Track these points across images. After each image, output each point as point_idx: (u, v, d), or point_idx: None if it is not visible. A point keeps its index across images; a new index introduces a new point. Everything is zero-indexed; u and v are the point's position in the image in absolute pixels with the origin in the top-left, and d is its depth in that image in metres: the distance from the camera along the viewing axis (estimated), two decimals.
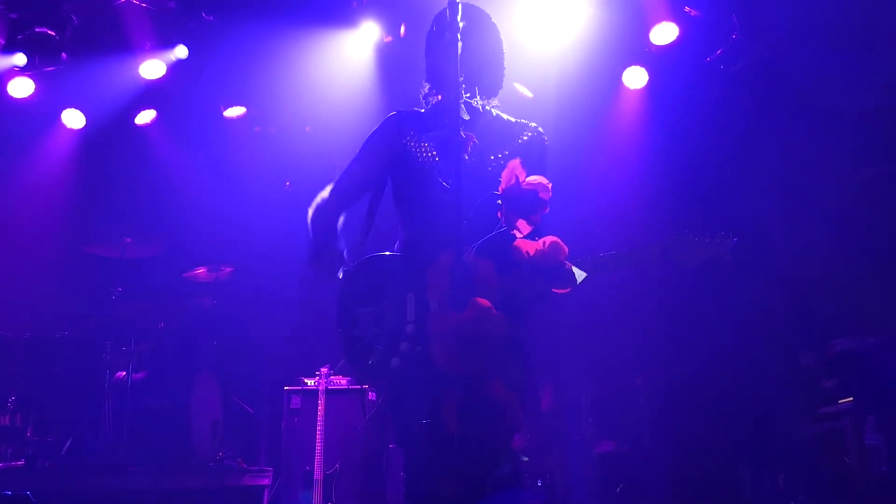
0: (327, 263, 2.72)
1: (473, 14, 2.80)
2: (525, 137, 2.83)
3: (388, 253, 2.76)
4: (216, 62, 6.44)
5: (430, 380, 2.46)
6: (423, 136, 2.82)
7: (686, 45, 5.96)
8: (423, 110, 2.94)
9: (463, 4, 2.55)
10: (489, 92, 2.89)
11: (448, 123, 2.52)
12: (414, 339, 2.50)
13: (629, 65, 6.23)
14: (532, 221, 2.41)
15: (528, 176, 2.43)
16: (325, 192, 2.83)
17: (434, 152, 2.76)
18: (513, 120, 2.90)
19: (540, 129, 2.88)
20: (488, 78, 2.87)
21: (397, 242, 2.83)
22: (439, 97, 2.90)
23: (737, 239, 2.64)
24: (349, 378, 5.98)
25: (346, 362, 2.63)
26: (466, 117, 2.77)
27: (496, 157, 2.72)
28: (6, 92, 6.27)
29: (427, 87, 2.93)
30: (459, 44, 2.45)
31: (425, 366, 2.44)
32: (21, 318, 6.15)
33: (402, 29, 6.15)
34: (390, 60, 6.29)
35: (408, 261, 2.67)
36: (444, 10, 2.61)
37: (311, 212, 2.80)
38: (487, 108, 2.89)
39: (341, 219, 2.82)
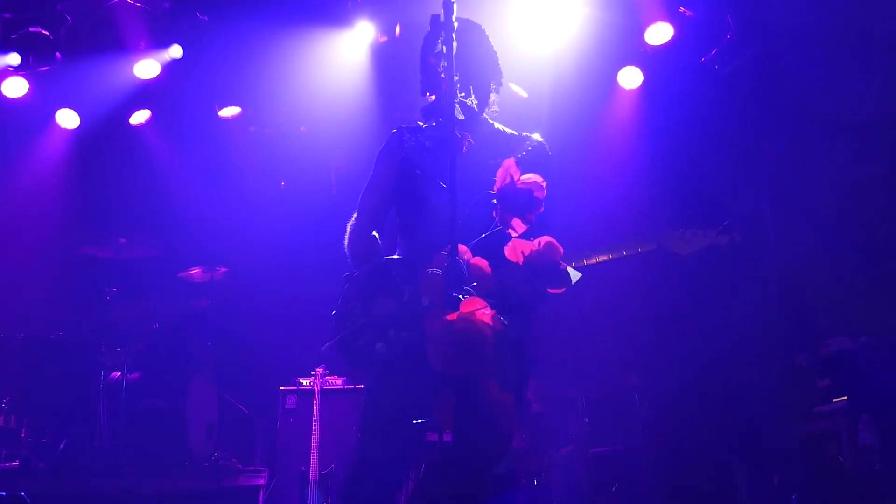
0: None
1: (466, 24, 2.89)
2: (528, 149, 2.87)
3: (395, 257, 2.86)
4: (211, 62, 6.43)
5: (412, 371, 2.53)
6: (420, 141, 2.88)
7: (681, 46, 5.97)
8: (424, 125, 2.99)
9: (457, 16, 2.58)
10: (484, 93, 2.93)
11: (443, 123, 2.54)
12: (401, 328, 2.58)
13: (624, 65, 6.24)
14: (527, 220, 2.42)
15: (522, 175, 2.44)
16: (353, 220, 2.95)
17: (429, 155, 2.81)
18: (515, 133, 2.95)
19: (542, 140, 2.92)
20: (482, 76, 2.91)
21: (398, 249, 2.91)
22: (433, 97, 2.92)
23: (735, 232, 2.66)
24: (344, 378, 5.98)
25: (335, 348, 2.69)
26: (461, 117, 2.77)
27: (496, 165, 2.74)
28: (0, 92, 6.26)
29: (421, 87, 2.96)
30: (454, 42, 2.47)
31: (409, 355, 2.53)
32: (15, 319, 6.13)
33: (398, 29, 6.15)
34: (385, 60, 6.29)
35: (407, 263, 2.75)
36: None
37: (347, 240, 2.93)
38: (485, 116, 2.92)
39: (376, 234, 2.94)
